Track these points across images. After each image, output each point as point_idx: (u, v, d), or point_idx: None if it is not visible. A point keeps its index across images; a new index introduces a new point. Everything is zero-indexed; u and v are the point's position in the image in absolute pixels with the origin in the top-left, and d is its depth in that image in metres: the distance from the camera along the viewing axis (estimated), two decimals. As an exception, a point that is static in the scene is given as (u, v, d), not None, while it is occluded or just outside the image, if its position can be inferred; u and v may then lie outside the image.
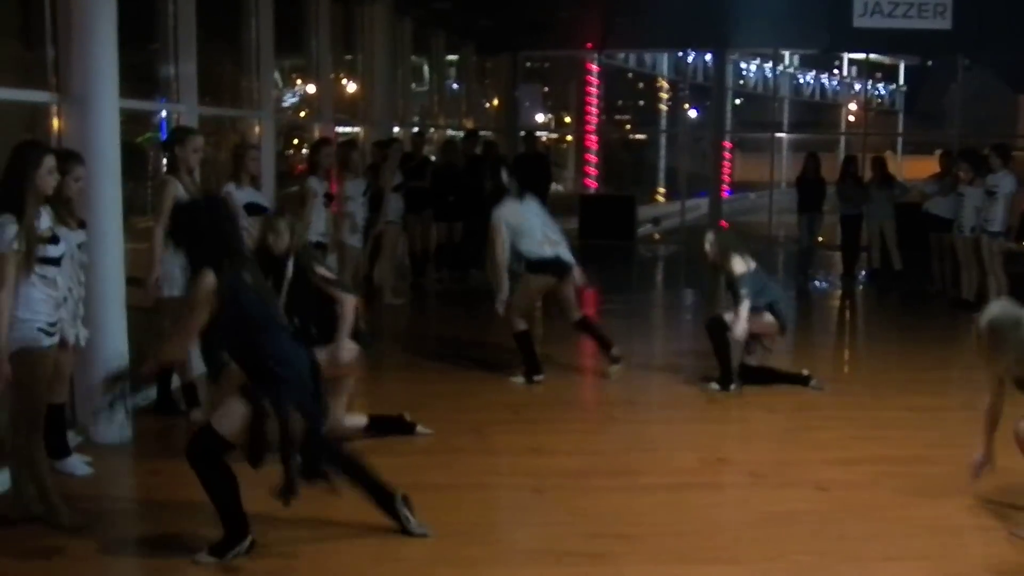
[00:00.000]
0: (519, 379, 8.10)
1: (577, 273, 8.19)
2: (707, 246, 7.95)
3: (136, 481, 6.15)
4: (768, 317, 7.81)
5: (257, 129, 9.95)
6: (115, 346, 6.29)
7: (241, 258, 4.72)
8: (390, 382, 8.30)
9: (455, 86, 18.37)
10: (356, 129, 13.72)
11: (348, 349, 5.96)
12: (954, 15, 9.32)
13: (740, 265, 7.73)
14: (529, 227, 7.93)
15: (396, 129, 13.80)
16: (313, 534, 5.00)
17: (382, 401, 7.71)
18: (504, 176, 8.12)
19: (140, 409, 6.85)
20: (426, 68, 17.01)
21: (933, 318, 10.86)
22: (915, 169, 19.95)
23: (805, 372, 8.04)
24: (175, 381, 7.00)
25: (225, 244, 4.61)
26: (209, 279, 4.49)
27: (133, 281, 6.65)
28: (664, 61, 24.91)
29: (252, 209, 7.72)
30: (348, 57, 13.91)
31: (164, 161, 7.01)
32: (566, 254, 8.10)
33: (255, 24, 9.74)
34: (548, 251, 7.96)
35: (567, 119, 27.10)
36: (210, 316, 4.52)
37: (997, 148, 11.63)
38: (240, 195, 7.68)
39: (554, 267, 8.02)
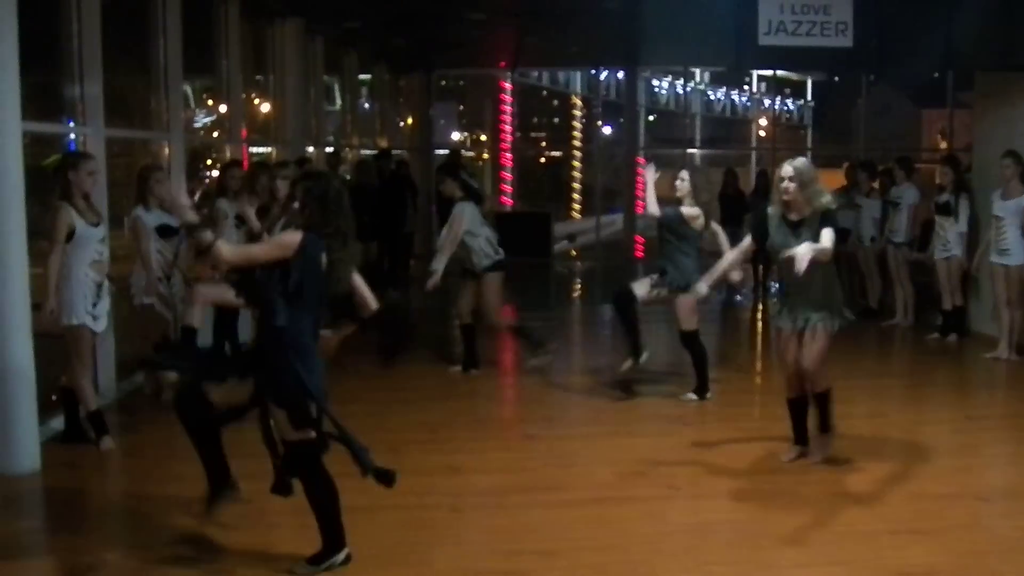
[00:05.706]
0: (456, 368, 9.03)
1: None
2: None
3: (48, 511, 5.99)
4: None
5: (167, 151, 9.80)
6: (21, 371, 6.17)
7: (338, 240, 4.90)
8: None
9: (367, 105, 18.28)
10: (268, 149, 13.58)
11: None
12: (855, 34, 9.53)
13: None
14: (482, 230, 8.90)
15: (310, 149, 13.70)
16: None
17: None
18: (471, 182, 9.22)
19: (48, 439, 6.68)
20: (338, 87, 16.91)
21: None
22: (825, 182, 20.28)
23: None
24: (82, 410, 6.83)
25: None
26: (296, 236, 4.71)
27: (36, 306, 6.49)
28: (577, 79, 25.12)
29: (164, 231, 7.66)
30: (259, 77, 13.77)
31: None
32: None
33: (163, 44, 9.58)
34: (498, 254, 8.94)
35: (483, 137, 27.16)
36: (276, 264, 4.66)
37: (900, 161, 11.94)
38: (149, 218, 7.63)
39: (505, 267, 8.98)
